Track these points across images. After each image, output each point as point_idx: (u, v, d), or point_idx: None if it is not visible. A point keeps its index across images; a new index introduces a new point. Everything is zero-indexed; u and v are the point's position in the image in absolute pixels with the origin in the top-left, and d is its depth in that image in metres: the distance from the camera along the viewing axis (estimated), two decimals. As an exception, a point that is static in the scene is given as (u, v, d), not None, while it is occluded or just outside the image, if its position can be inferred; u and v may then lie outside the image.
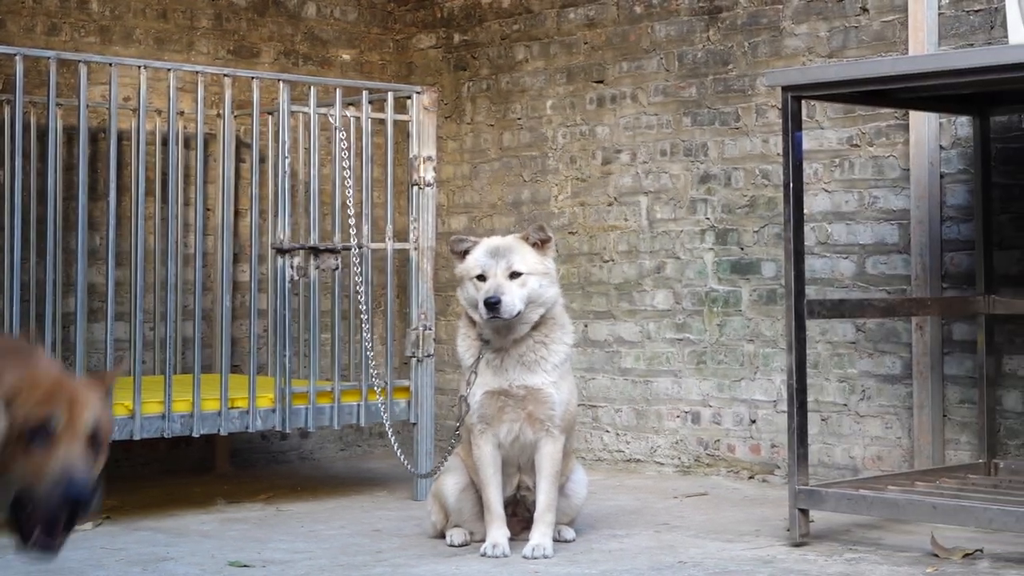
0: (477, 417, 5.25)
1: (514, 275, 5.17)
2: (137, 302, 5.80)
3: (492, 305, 5.10)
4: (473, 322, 5.29)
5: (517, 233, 5.35)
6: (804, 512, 5.25)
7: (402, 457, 5.83)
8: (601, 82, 7.50)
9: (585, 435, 7.44)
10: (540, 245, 5.26)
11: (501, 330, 5.19)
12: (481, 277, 5.19)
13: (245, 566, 4.99)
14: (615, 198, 7.41)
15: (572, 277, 7.52)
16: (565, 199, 7.63)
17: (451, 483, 5.40)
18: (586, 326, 7.46)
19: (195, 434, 5.93)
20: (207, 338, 7.01)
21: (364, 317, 6.22)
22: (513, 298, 5.13)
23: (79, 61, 5.74)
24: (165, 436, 5.86)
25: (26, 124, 6.44)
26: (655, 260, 7.23)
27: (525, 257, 5.21)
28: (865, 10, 6.51)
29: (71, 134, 6.57)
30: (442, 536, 5.44)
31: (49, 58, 5.65)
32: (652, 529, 5.66)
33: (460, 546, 5.32)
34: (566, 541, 5.36)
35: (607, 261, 7.43)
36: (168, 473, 7.26)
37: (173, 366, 5.99)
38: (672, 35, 7.21)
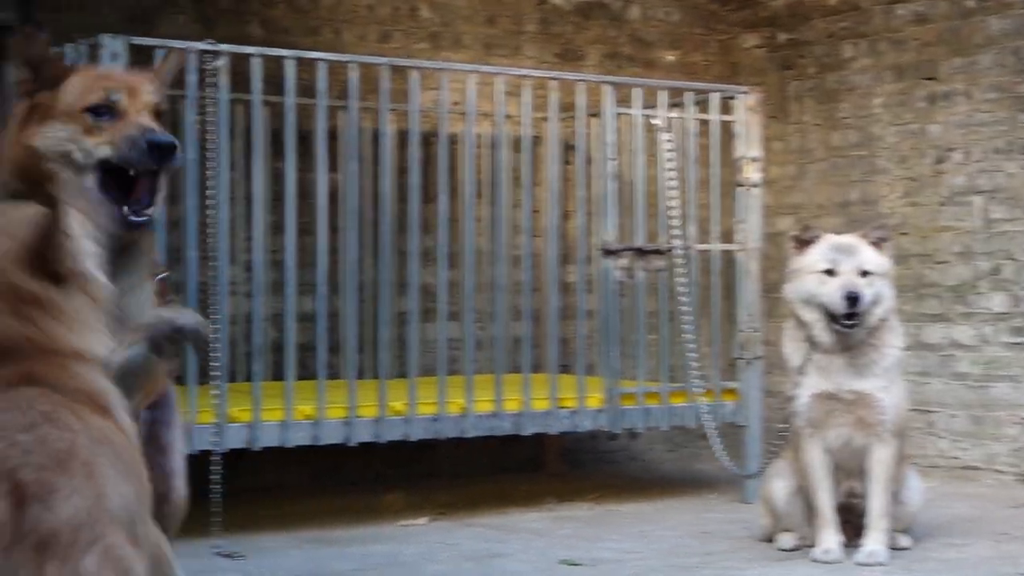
0: (805, 421, 5.15)
1: (864, 274, 5.05)
2: (468, 302, 5.90)
3: (854, 299, 4.98)
4: (802, 322, 5.17)
5: (853, 233, 5.23)
6: None
7: (725, 458, 5.77)
8: (932, 79, 7.29)
9: (918, 441, 7.24)
10: (878, 245, 5.13)
11: (841, 334, 5.06)
12: (829, 272, 5.06)
13: (575, 564, 5.02)
14: (948, 198, 7.20)
15: (904, 279, 7.31)
16: (896, 199, 7.44)
17: (780, 487, 5.32)
18: (919, 329, 7.26)
19: (525, 433, 5.99)
20: (536, 338, 7.07)
21: (688, 319, 6.19)
22: (867, 297, 5.01)
23: (410, 67, 5.87)
24: (496, 435, 5.94)
25: (360, 129, 6.62)
26: (991, 262, 6.99)
27: (872, 257, 5.08)
28: None
29: (403, 138, 6.73)
30: (771, 540, 5.36)
31: (382, 65, 5.79)
32: (991, 539, 5.46)
33: (790, 551, 5.23)
34: (901, 548, 5.22)
35: (940, 263, 7.22)
36: (499, 471, 7.35)
37: (503, 366, 6.07)
38: (1007, 29, 6.96)
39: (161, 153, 3.06)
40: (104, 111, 3.10)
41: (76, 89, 3.11)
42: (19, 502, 2.19)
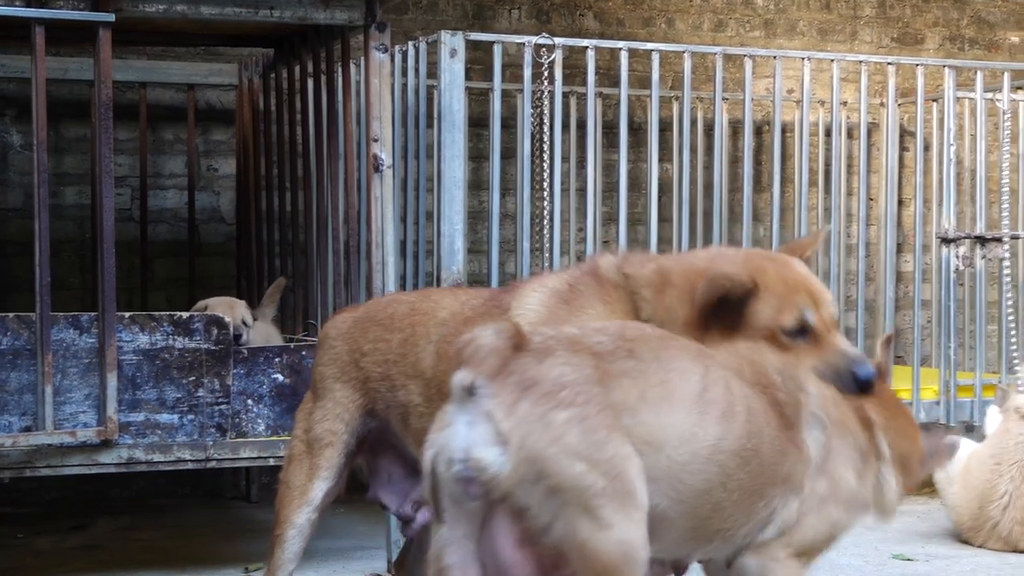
0: None
1: None
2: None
3: None
4: None
5: None
6: None
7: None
8: None
9: None
10: None
11: None
12: None
13: (909, 560, 4.94)
14: None
15: None
16: None
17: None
18: None
19: (857, 425, 5.92)
20: (869, 328, 6.98)
21: (1033, 309, 6.01)
22: None
23: (744, 55, 5.85)
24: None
25: (693, 119, 6.64)
26: None
27: None
28: None
29: (736, 127, 6.72)
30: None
31: (715, 54, 5.79)
32: None
33: None
34: None
35: None
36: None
37: (836, 356, 5.99)
38: None
39: (864, 388, 3.06)
40: (799, 333, 3.07)
41: (770, 308, 3.06)
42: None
